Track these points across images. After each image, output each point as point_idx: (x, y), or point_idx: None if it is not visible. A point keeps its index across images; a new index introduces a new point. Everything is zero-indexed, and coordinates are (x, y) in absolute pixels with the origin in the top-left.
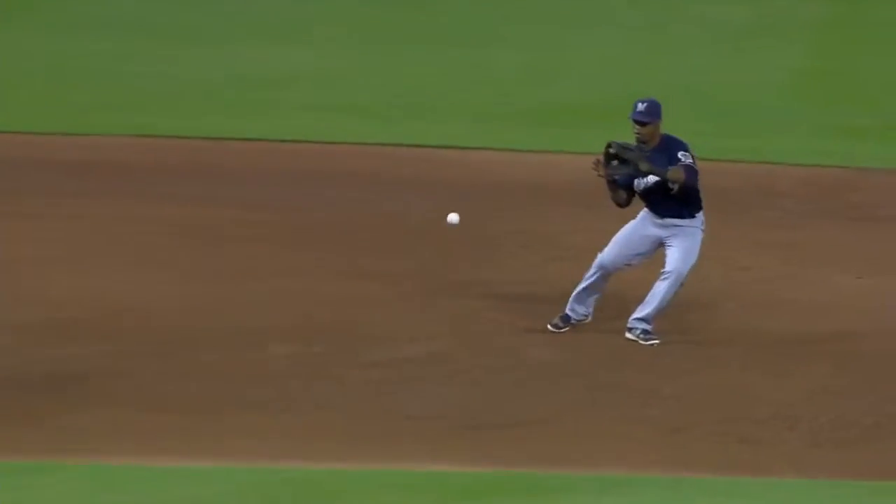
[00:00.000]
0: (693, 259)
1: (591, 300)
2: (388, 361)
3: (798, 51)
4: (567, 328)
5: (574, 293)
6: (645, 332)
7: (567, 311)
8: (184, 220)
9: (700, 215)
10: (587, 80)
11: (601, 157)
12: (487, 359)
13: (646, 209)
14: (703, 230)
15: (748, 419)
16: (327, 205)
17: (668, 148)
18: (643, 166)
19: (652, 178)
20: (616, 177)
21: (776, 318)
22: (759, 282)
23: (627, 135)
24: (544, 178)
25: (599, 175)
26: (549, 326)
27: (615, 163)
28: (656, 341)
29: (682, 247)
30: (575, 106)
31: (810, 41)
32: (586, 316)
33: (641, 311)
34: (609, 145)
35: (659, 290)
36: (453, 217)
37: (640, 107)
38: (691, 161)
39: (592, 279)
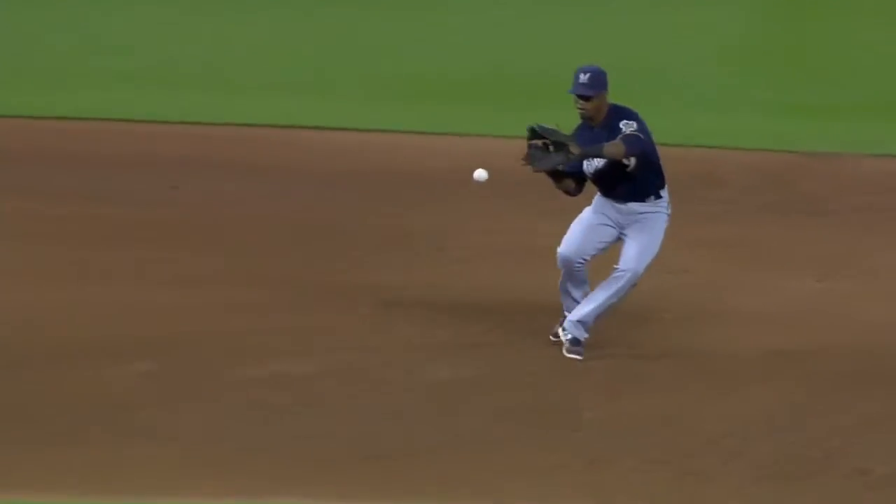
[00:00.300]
0: (653, 253)
1: (582, 296)
2: (263, 381)
3: (741, 18)
4: None
5: (561, 295)
6: (575, 341)
7: (565, 313)
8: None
9: (664, 194)
10: (473, 51)
11: (528, 150)
12: (382, 376)
13: (599, 194)
14: (668, 213)
15: (685, 447)
16: (175, 198)
17: (615, 120)
18: (574, 149)
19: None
20: (560, 166)
21: (718, 330)
22: (698, 287)
23: (535, 115)
24: (423, 164)
25: (535, 171)
26: (550, 337)
27: (550, 149)
28: (578, 357)
29: (641, 241)
30: (452, 80)
31: (754, 7)
32: None
33: (582, 309)
34: (533, 133)
35: (607, 288)
36: (481, 173)
37: (583, 78)
38: (635, 128)
39: (563, 275)
